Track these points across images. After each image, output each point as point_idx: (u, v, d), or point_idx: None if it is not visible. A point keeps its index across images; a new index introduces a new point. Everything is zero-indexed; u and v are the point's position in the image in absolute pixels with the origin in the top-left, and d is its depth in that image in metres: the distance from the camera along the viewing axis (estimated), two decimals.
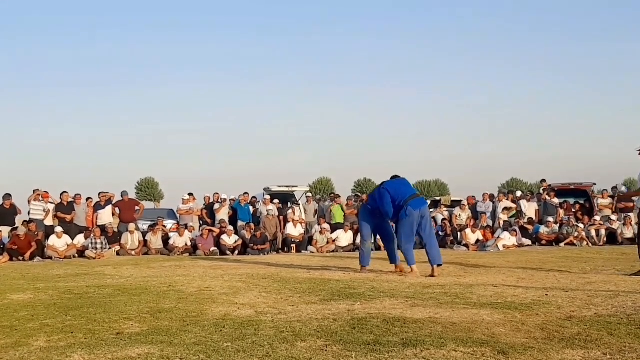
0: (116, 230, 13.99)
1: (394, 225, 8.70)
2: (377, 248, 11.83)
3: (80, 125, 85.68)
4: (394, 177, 8.75)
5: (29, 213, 13.59)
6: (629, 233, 14.66)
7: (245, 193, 15.67)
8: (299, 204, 16.45)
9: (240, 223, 14.82)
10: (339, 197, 16.37)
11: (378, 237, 10.27)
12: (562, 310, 5.10)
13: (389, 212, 8.41)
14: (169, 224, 15.05)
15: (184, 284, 7.55)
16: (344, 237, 14.10)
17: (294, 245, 14.12)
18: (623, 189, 18.94)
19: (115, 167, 75.87)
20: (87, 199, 14.45)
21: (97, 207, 14.33)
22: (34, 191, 13.59)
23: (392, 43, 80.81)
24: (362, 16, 79.06)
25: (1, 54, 74.76)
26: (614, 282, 7.07)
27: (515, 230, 14.14)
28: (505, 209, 15.59)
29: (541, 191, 17.47)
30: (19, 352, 3.94)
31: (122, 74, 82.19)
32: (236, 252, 13.38)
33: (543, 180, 17.86)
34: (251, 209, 15.45)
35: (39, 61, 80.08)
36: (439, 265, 8.22)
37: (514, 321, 4.64)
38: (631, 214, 15.38)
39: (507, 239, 13.65)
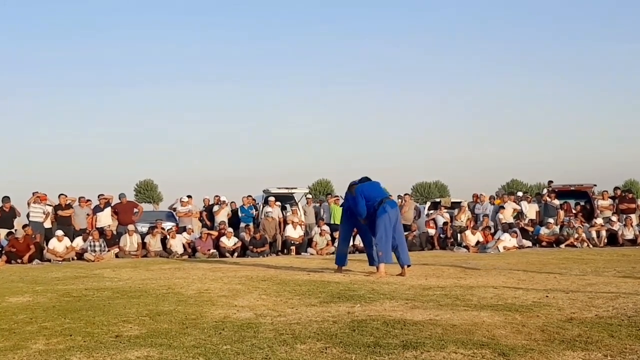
0: (115, 232, 13.98)
1: (371, 225, 8.86)
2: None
3: (79, 127, 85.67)
4: (365, 179, 9.03)
5: (28, 216, 13.58)
6: (629, 234, 14.64)
7: (249, 196, 15.69)
8: (298, 206, 16.41)
9: (241, 225, 14.80)
10: (337, 197, 16.33)
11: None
12: (563, 312, 5.09)
13: (362, 214, 8.76)
14: (168, 226, 15.01)
15: (183, 286, 7.54)
16: None
17: (293, 247, 14.11)
18: None
19: (114, 169, 75.88)
20: (80, 197, 14.40)
21: (96, 209, 14.32)
22: (33, 194, 13.57)
23: (392, 43, 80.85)
24: (362, 16, 79.11)
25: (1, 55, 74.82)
26: (614, 283, 7.06)
27: (515, 232, 14.12)
28: (502, 207, 15.57)
29: (542, 192, 17.44)
30: (18, 355, 3.93)
31: (121, 75, 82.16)
32: (235, 254, 13.37)
33: (550, 182, 17.82)
34: (254, 211, 15.43)
35: (38, 62, 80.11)
36: (408, 266, 8.57)
37: (514, 323, 4.63)
38: (632, 215, 15.36)
39: (508, 240, 13.63)
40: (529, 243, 14.50)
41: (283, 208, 16.15)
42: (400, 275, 8.33)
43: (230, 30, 79.08)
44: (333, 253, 13.57)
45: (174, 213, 16.02)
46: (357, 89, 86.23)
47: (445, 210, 16.37)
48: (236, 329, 4.57)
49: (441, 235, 15.02)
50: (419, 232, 14.91)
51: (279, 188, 16.68)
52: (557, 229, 14.96)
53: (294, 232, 14.42)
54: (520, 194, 17.89)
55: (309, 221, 15.63)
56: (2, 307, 6.07)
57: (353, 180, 9.14)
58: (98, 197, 14.60)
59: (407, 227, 14.89)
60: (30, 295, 6.93)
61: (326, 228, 14.34)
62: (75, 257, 12.91)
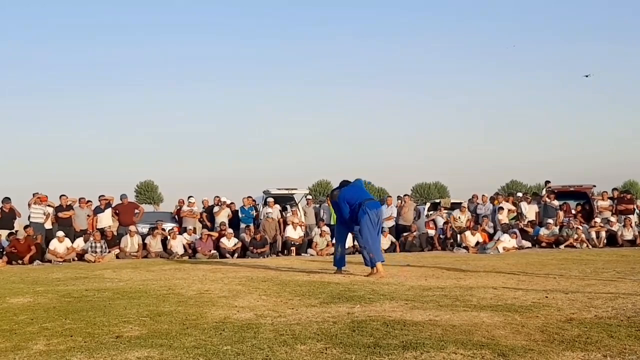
0: (115, 233, 13.99)
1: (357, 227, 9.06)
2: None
3: (80, 128, 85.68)
4: (346, 182, 9.28)
5: (29, 217, 13.60)
6: (629, 235, 14.65)
7: (249, 197, 15.71)
8: (299, 207, 16.42)
9: (242, 225, 14.81)
10: None
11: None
12: (562, 313, 5.10)
13: (345, 216, 9.04)
14: (169, 227, 15.02)
15: (184, 287, 7.55)
16: None
17: (293, 248, 14.11)
18: None
19: (114, 170, 75.86)
20: (80, 199, 14.43)
21: (97, 210, 14.34)
22: (34, 195, 13.59)
23: (391, 44, 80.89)
24: (361, 17, 79.18)
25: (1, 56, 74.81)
26: (613, 284, 7.07)
27: (515, 233, 14.13)
28: (501, 208, 15.58)
29: (541, 192, 17.44)
30: (19, 356, 3.94)
31: (121, 76, 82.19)
32: (236, 255, 13.38)
33: (547, 182, 17.83)
34: (254, 212, 15.44)
35: (38, 62, 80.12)
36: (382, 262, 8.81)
37: (513, 323, 4.64)
38: (631, 216, 15.37)
39: (507, 241, 13.64)
40: (528, 244, 14.50)
41: (283, 209, 16.17)
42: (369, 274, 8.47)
43: (231, 31, 79.13)
44: (333, 254, 13.61)
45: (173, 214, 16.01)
46: (356, 89, 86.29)
47: (445, 211, 16.38)
48: (236, 330, 4.58)
49: (441, 236, 15.03)
50: (418, 232, 14.92)
51: (279, 189, 16.69)
52: (556, 229, 14.97)
53: (294, 233, 14.43)
54: (519, 194, 17.90)
55: (309, 222, 15.64)
56: (3, 308, 6.09)
57: (334, 188, 9.42)
58: (99, 198, 14.63)
59: (407, 228, 14.95)
60: (31, 296, 6.94)
61: (326, 229, 14.34)
62: (76, 258, 12.93)
